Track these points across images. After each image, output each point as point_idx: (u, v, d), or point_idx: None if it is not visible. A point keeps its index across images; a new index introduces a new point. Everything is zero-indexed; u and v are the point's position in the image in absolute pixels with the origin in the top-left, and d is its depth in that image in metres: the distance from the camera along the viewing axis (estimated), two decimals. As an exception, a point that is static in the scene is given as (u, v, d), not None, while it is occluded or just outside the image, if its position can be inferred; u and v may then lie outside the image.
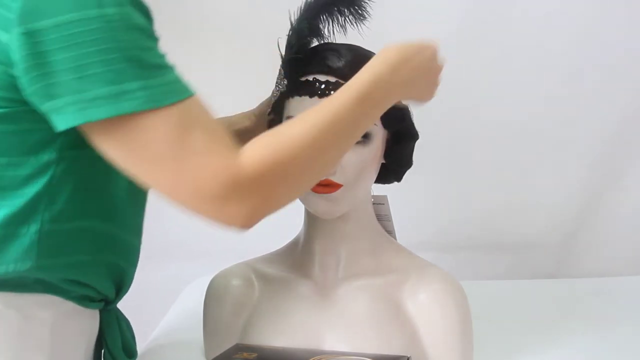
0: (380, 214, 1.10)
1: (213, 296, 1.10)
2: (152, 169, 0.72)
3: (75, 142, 0.76)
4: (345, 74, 0.93)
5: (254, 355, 0.97)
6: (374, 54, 0.98)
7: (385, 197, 1.10)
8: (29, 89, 0.71)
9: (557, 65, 1.70)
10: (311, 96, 0.95)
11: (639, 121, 1.73)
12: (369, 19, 1.00)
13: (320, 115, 0.79)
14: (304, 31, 0.97)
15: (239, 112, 1.15)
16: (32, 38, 0.69)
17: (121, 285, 0.91)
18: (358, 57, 0.96)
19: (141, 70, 0.71)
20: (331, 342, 1.01)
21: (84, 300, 0.86)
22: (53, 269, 0.81)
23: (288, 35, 0.99)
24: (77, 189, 0.80)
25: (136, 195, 0.89)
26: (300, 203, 1.02)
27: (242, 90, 1.68)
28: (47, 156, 0.77)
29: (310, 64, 0.97)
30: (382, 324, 1.00)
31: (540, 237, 1.78)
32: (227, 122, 1.10)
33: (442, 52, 0.95)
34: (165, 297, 1.60)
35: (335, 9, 0.98)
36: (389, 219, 1.11)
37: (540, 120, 1.73)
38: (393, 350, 0.97)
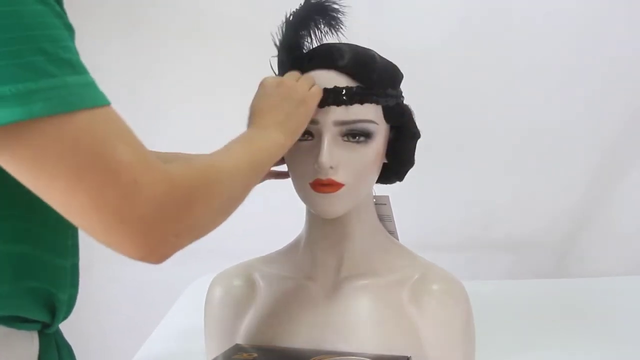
0: (382, 214, 1.10)
1: (214, 296, 1.10)
2: (64, 186, 0.60)
3: None
4: (345, 66, 0.95)
5: (254, 355, 0.97)
6: (370, 50, 1.00)
7: (387, 197, 1.10)
8: None
9: (558, 65, 1.70)
10: None
11: (638, 122, 1.73)
12: (345, 27, 1.00)
13: (226, 155, 0.80)
14: (292, 46, 0.98)
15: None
16: None
17: (55, 311, 0.76)
18: (357, 53, 0.97)
19: (55, 66, 0.59)
20: (332, 342, 1.01)
21: (14, 322, 0.71)
22: None
23: (278, 54, 1.00)
24: None
25: (53, 210, 0.69)
26: (302, 203, 1.02)
27: (242, 89, 1.69)
28: None
29: (312, 60, 0.98)
30: (384, 324, 1.00)
31: (540, 237, 1.79)
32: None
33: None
34: (165, 297, 1.60)
35: (312, 22, 0.99)
36: (391, 219, 1.11)
37: (541, 121, 1.73)
38: (394, 351, 0.97)
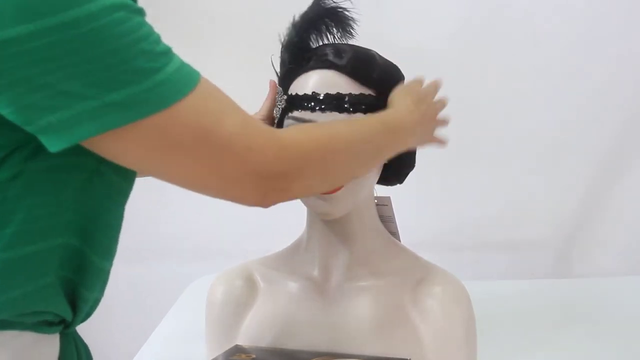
0: (384, 214, 1.10)
1: (215, 296, 1.10)
2: (183, 165, 0.68)
3: (37, 150, 0.66)
4: (345, 66, 0.95)
5: (252, 356, 0.97)
6: (370, 50, 0.99)
7: (388, 198, 1.10)
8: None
9: (558, 66, 1.70)
10: (312, 110, 0.95)
11: (638, 121, 1.73)
12: (357, 32, 1.01)
13: (354, 128, 0.83)
14: (295, 47, 0.98)
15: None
16: None
17: (77, 310, 0.77)
18: (357, 52, 0.97)
19: (155, 62, 0.65)
20: (332, 344, 1.01)
21: (41, 326, 0.74)
22: (7, 305, 0.69)
23: (280, 52, 1.00)
24: (37, 205, 0.68)
25: (113, 213, 0.78)
26: (302, 204, 1.02)
27: (242, 89, 1.69)
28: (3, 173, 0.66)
29: (312, 59, 0.97)
30: (385, 325, 1.00)
31: (540, 237, 1.79)
32: None
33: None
34: (165, 297, 1.61)
35: (324, 25, 0.99)
36: (393, 220, 1.11)
37: (541, 121, 1.73)
38: (395, 353, 0.97)
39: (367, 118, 0.89)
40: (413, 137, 0.93)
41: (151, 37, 0.66)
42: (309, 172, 0.76)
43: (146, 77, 0.63)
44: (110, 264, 0.80)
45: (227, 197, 0.73)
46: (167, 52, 0.67)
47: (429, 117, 0.96)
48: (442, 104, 1.00)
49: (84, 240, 0.73)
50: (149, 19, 0.67)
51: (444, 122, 1.01)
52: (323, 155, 0.77)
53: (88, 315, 0.81)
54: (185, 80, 0.67)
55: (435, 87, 0.99)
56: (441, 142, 1.02)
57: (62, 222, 0.71)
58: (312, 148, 0.76)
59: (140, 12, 0.67)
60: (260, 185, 0.71)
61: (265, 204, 0.74)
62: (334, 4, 0.98)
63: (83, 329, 0.85)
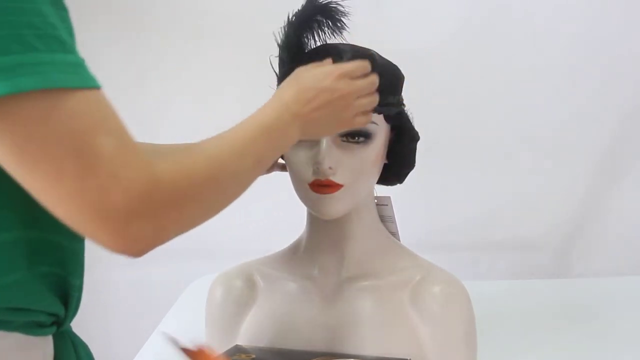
0: (384, 214, 1.10)
1: (215, 296, 1.10)
2: (46, 172, 0.58)
3: None
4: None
5: (252, 357, 0.97)
6: (369, 50, 0.99)
7: (388, 198, 1.10)
8: None
9: (558, 66, 1.70)
10: None
11: (638, 121, 1.73)
12: (350, 29, 1.00)
13: (230, 143, 0.74)
14: (293, 46, 0.98)
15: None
16: None
17: (68, 299, 0.74)
18: (357, 52, 0.97)
19: (43, 41, 0.57)
20: (332, 344, 1.01)
21: (30, 327, 0.70)
22: None
23: (279, 53, 1.00)
24: None
25: None
26: (302, 204, 1.02)
27: (242, 90, 1.69)
28: None
29: (312, 59, 0.97)
30: (384, 326, 1.00)
31: (540, 237, 1.79)
32: None
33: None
34: (165, 297, 1.60)
35: (315, 23, 0.99)
36: (393, 220, 1.11)
37: (541, 121, 1.73)
38: (395, 353, 0.97)
39: (245, 125, 0.77)
40: (301, 129, 0.82)
41: (51, 18, 0.59)
42: (181, 212, 0.66)
43: (32, 51, 0.56)
44: (83, 243, 0.74)
45: (84, 232, 0.62)
46: (65, 44, 0.59)
47: (328, 101, 0.84)
48: (367, 83, 0.88)
49: (45, 228, 0.68)
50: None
51: (370, 102, 0.90)
52: (199, 192, 0.68)
53: (78, 304, 0.76)
54: (78, 76, 0.59)
55: (346, 67, 0.87)
56: (366, 122, 0.90)
57: (14, 214, 0.66)
58: (187, 185, 0.66)
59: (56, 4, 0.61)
60: (120, 226, 0.60)
61: (132, 251, 0.63)
62: (327, 0, 0.98)
63: (83, 329, 0.84)
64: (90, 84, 0.60)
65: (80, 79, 0.59)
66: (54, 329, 0.73)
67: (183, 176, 0.65)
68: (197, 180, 0.67)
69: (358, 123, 0.89)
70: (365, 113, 0.90)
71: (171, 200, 0.63)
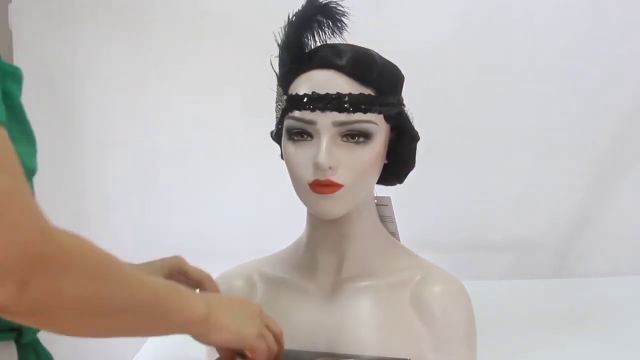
0: (384, 215, 1.10)
1: (214, 297, 1.10)
2: None
3: None
4: (345, 66, 0.95)
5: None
6: (369, 50, 0.99)
7: (388, 198, 1.10)
8: None
9: (558, 66, 1.70)
10: (312, 110, 0.95)
11: (638, 121, 1.73)
12: (350, 29, 1.00)
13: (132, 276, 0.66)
14: (293, 46, 0.98)
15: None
16: None
17: None
18: (357, 52, 0.97)
19: None
20: (332, 344, 1.01)
21: None
22: None
23: (279, 52, 1.00)
24: None
25: None
26: (302, 204, 1.02)
27: (242, 90, 1.69)
28: None
29: (312, 59, 0.98)
30: (384, 326, 1.00)
31: (540, 237, 1.78)
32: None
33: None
34: (165, 297, 1.60)
35: (316, 23, 0.99)
36: (392, 220, 1.11)
37: (541, 121, 1.73)
38: (395, 353, 0.97)
39: (158, 284, 0.71)
40: (227, 312, 0.77)
41: None
42: (69, 273, 0.57)
43: None
44: None
45: None
46: None
47: (257, 315, 0.83)
48: (268, 340, 0.84)
49: None
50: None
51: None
52: (88, 273, 0.59)
53: None
54: None
55: (269, 326, 0.85)
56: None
57: None
58: (79, 255, 0.58)
59: None
60: (16, 270, 0.53)
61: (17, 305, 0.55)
62: (327, 0, 0.98)
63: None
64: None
65: None
66: (13, 335, 0.70)
67: (77, 245, 0.59)
68: (90, 261, 0.60)
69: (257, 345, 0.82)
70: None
71: (55, 270, 0.56)
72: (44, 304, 0.57)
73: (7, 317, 0.57)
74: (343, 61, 0.96)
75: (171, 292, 0.71)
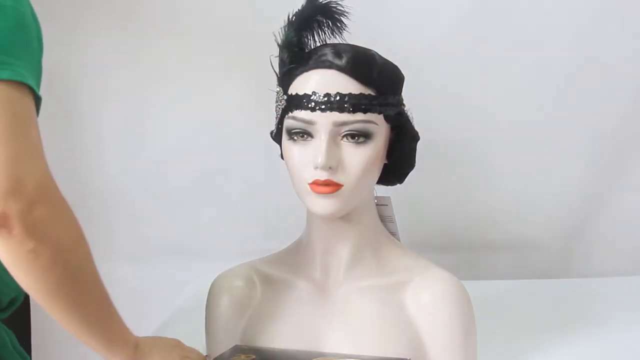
0: (384, 214, 1.10)
1: (215, 296, 1.10)
2: None
3: None
4: (345, 66, 0.95)
5: (253, 357, 0.98)
6: (370, 49, 0.99)
7: (388, 198, 1.10)
8: None
9: (558, 65, 1.70)
10: (312, 110, 0.95)
11: (638, 120, 1.73)
12: (350, 29, 1.00)
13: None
14: (293, 46, 0.98)
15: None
16: None
17: None
18: (357, 52, 0.97)
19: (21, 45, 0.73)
20: (332, 344, 1.01)
21: None
22: None
23: (279, 52, 1.00)
24: None
25: None
26: (302, 204, 1.02)
27: (242, 90, 1.69)
28: None
29: (312, 59, 0.98)
30: (384, 325, 1.00)
31: (540, 237, 1.78)
32: None
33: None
34: (165, 297, 1.60)
35: (315, 24, 0.99)
36: (393, 220, 1.11)
37: (540, 120, 1.73)
38: (395, 353, 0.97)
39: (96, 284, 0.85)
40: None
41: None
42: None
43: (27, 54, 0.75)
44: None
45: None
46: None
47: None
48: None
49: None
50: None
51: None
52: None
53: (9, 296, 0.84)
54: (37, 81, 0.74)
55: None
56: None
57: None
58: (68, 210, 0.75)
59: None
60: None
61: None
62: (327, 0, 0.99)
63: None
64: (37, 89, 0.76)
65: (35, 80, 0.75)
66: None
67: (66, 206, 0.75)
68: (74, 222, 0.76)
69: None
70: None
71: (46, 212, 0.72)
72: (41, 227, 0.71)
73: (7, 240, 0.70)
74: (343, 61, 0.96)
75: (114, 308, 0.85)
